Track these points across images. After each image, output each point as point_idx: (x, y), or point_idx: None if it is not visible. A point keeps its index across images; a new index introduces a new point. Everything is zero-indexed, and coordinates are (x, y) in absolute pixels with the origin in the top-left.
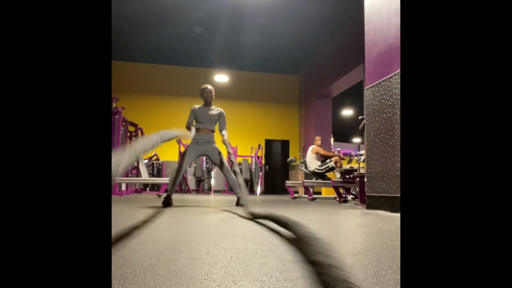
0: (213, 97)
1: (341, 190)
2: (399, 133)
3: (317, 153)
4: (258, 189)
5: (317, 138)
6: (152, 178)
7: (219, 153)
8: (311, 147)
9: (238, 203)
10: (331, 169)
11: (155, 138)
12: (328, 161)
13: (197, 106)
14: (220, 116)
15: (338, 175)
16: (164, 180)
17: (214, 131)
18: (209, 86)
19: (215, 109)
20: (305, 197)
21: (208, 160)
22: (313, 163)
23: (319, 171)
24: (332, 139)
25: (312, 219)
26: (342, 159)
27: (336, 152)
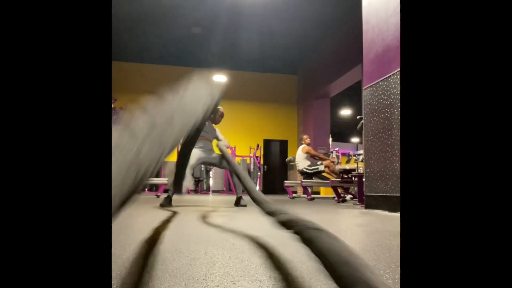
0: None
1: (339, 190)
2: (397, 133)
3: (307, 152)
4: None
5: (305, 136)
6: (150, 178)
7: (219, 156)
8: (301, 146)
9: (237, 203)
10: (320, 171)
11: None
12: (319, 163)
13: None
14: (215, 130)
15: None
16: (163, 180)
17: (211, 140)
18: (222, 109)
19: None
20: (304, 197)
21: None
22: (302, 163)
23: (308, 171)
24: (330, 139)
25: (311, 218)
26: (338, 162)
27: (334, 152)
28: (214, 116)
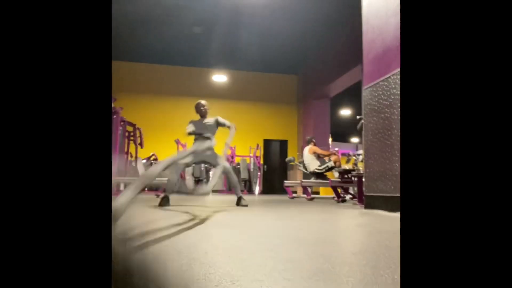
0: (207, 110)
1: (339, 190)
2: (397, 133)
3: (314, 153)
4: (257, 189)
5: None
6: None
7: (217, 157)
8: (307, 147)
9: (238, 203)
10: (331, 168)
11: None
12: (327, 160)
13: (194, 120)
14: (217, 120)
15: (336, 174)
16: (163, 180)
17: (210, 138)
18: (203, 101)
19: (210, 119)
20: (304, 197)
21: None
22: (312, 164)
23: (319, 171)
24: (330, 139)
25: (311, 219)
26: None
27: (334, 151)
28: (199, 111)
